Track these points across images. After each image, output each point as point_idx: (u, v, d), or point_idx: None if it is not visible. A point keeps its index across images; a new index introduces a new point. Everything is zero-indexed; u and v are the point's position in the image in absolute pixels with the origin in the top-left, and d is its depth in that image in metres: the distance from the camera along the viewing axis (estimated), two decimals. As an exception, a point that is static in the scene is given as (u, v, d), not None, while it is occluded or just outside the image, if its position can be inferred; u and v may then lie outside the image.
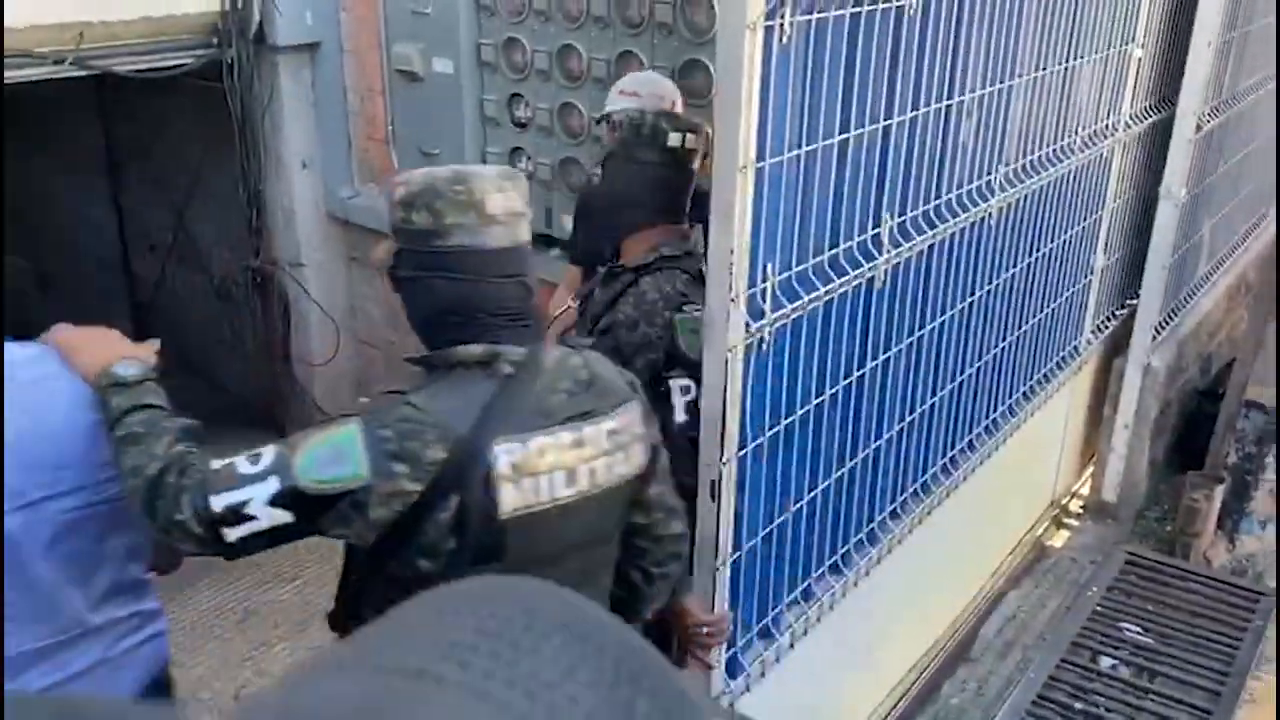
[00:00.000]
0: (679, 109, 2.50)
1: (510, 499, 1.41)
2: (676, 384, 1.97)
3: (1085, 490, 4.13)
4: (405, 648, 0.36)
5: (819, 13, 1.74)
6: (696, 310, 1.92)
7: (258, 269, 4.65)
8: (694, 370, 1.90)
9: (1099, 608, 3.46)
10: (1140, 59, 3.29)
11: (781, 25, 1.66)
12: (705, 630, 1.91)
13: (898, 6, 1.95)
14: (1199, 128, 3.53)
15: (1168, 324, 3.95)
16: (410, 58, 4.54)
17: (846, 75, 1.89)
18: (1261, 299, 3.67)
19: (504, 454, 1.40)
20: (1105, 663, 3.24)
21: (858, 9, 1.85)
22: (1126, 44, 3.18)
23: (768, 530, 2.06)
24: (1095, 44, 2.94)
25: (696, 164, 2.16)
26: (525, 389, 1.44)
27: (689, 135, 2.13)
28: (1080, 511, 4.08)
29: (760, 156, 1.71)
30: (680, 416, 1.95)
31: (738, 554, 1.97)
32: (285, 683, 0.36)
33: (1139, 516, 4.02)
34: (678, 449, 1.80)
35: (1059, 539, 3.92)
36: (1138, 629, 3.40)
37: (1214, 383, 4.36)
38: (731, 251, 1.72)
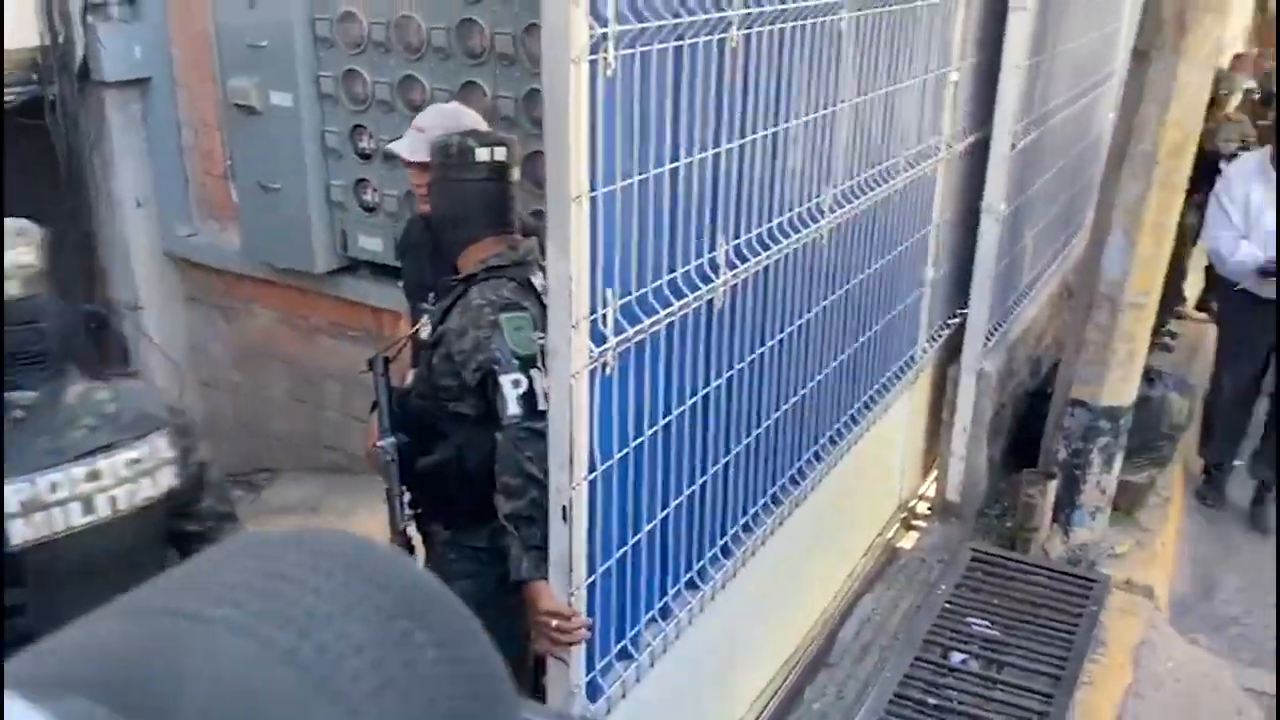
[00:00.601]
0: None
1: (20, 532, 1.57)
2: (507, 379, 2.11)
3: (931, 492, 4.32)
4: (186, 591, 0.37)
5: (642, 46, 1.79)
6: (522, 313, 2.13)
7: (93, 313, 4.44)
8: (525, 365, 2.10)
9: (948, 604, 3.62)
10: (957, 82, 3.49)
11: (605, 59, 1.70)
12: (555, 624, 1.95)
13: (720, 39, 2.03)
14: (1013, 145, 3.76)
15: (997, 331, 4.18)
16: (247, 91, 4.45)
17: (674, 105, 1.95)
18: (1080, 303, 3.92)
19: (12, 494, 1.56)
20: (956, 658, 3.39)
21: (680, 42, 1.91)
22: (944, 68, 3.37)
23: (622, 552, 2.09)
24: (914, 69, 3.10)
25: (515, 175, 2.32)
26: (37, 430, 1.60)
27: (497, 149, 2.27)
28: (927, 513, 4.26)
29: (593, 186, 1.75)
30: (513, 409, 2.10)
31: (592, 577, 1.99)
32: (68, 626, 0.36)
33: (981, 514, 4.23)
34: (515, 439, 2.06)
35: (909, 540, 4.09)
36: (985, 623, 3.57)
37: (1043, 383, 4.62)
38: (570, 279, 1.75)
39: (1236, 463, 4.86)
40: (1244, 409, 4.76)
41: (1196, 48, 3.41)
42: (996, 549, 3.97)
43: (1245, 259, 4.32)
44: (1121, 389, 3.85)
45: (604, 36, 1.68)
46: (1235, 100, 6.75)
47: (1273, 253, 4.22)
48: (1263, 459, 4.68)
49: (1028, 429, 4.39)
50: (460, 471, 2.29)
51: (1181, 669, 3.51)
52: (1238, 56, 11.95)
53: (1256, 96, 7.56)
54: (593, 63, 1.68)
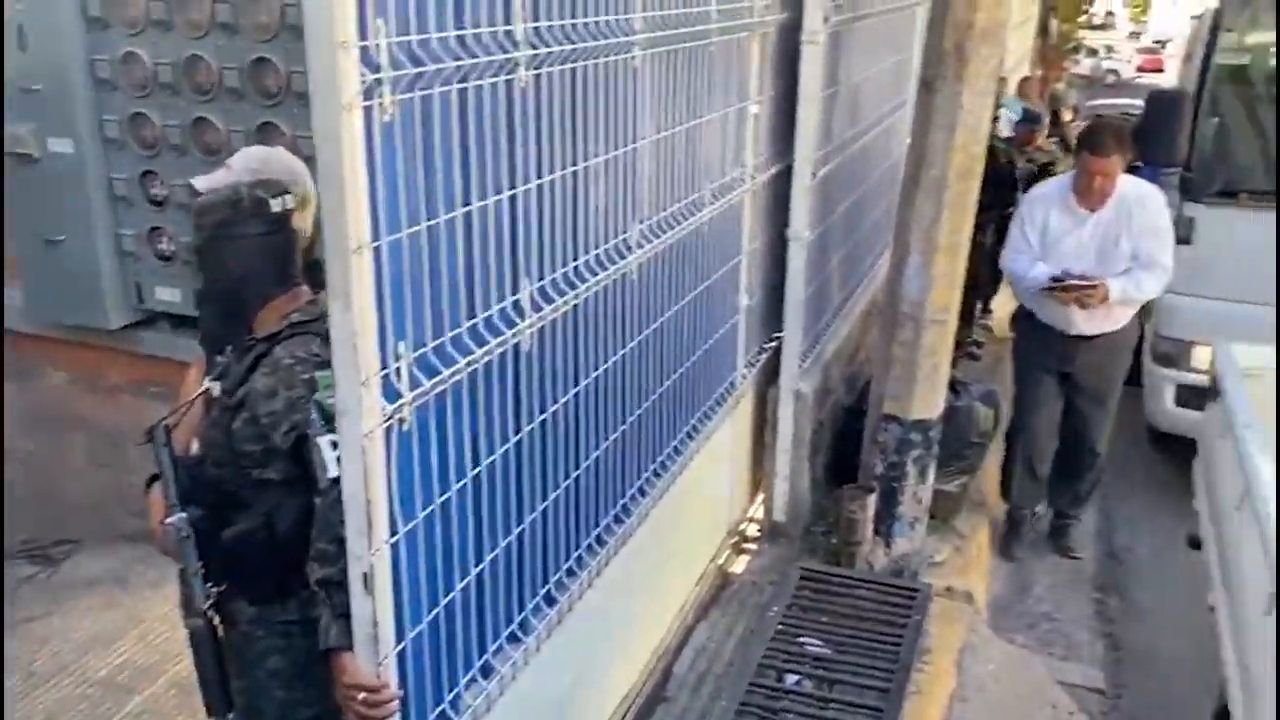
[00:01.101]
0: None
1: None
2: (325, 440, 1.94)
3: (759, 514, 4.38)
4: None
5: (422, 90, 1.73)
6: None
7: None
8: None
9: (780, 626, 3.66)
10: (757, 115, 3.57)
11: (381, 104, 1.63)
12: (361, 697, 1.84)
13: (508, 80, 1.99)
14: (814, 174, 3.88)
15: (811, 352, 4.29)
16: (22, 138, 4.16)
17: (462, 148, 1.90)
18: (885, 322, 4.06)
19: None
20: (790, 680, 3.42)
21: (465, 84, 1.86)
22: (743, 102, 3.44)
23: (434, 613, 2.01)
24: (713, 104, 3.15)
25: (304, 222, 2.18)
26: None
27: (287, 197, 2.14)
28: (757, 535, 4.32)
29: (376, 235, 1.67)
30: (333, 471, 1.91)
31: (402, 644, 1.90)
32: None
33: (808, 532, 4.31)
34: (333, 503, 1.84)
35: (740, 565, 4.13)
36: (817, 641, 3.62)
37: (859, 400, 4.77)
38: (355, 334, 1.66)
39: (1039, 508, 4.81)
40: (1045, 447, 4.63)
41: (976, 76, 3.59)
42: (824, 566, 4.05)
43: (1039, 276, 4.24)
44: (929, 402, 4.00)
45: (378, 82, 1.62)
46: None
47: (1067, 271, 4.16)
48: (1062, 496, 4.73)
49: (847, 445, 4.51)
50: (270, 540, 2.14)
51: (1002, 669, 3.65)
52: (1024, 80, 12.81)
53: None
54: (367, 109, 1.61)
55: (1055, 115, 9.08)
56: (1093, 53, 29.75)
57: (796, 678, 3.43)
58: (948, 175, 3.72)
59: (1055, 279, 4.16)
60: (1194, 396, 4.48)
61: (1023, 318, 4.56)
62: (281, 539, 2.13)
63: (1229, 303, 4.65)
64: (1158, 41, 34.39)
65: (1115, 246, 4.14)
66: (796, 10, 3.74)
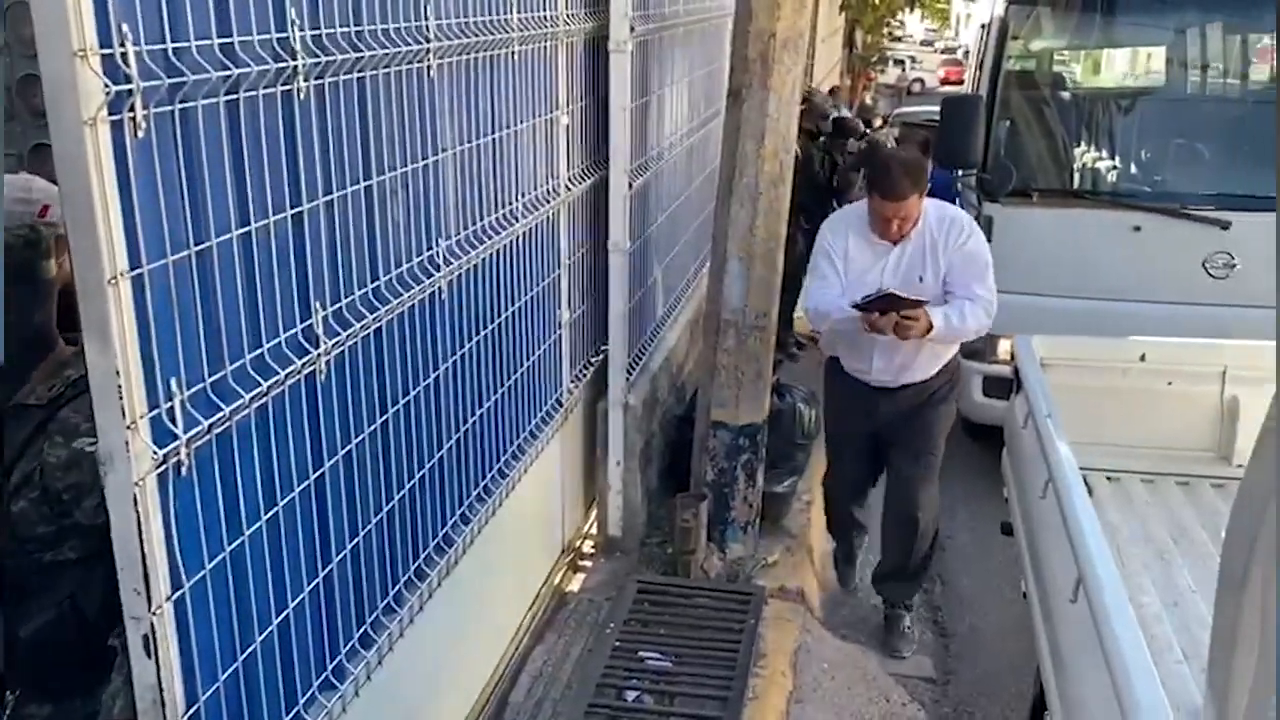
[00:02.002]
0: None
1: None
2: None
3: (594, 530, 4.32)
4: None
5: (182, 103, 1.59)
6: None
7: None
8: None
9: (619, 642, 3.60)
10: (568, 125, 3.51)
11: (134, 119, 1.48)
12: None
13: (285, 91, 1.86)
14: (631, 184, 3.85)
15: (638, 363, 4.27)
16: None
17: (236, 165, 1.75)
18: (708, 330, 4.07)
19: None
20: (630, 696, 3.37)
21: (235, 96, 1.72)
22: (552, 112, 3.37)
23: (232, 669, 1.85)
24: (521, 113, 3.07)
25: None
26: None
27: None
28: (592, 551, 4.25)
29: (135, 264, 1.52)
30: None
31: (195, 707, 1.73)
32: None
33: (643, 544, 4.28)
34: None
35: (575, 583, 4.05)
36: (656, 654, 3.58)
37: (689, 409, 4.77)
38: (118, 374, 1.51)
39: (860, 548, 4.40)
40: (855, 504, 4.22)
41: (781, 84, 3.65)
42: (660, 577, 4.02)
43: (830, 308, 3.62)
44: (755, 407, 4.04)
45: (127, 94, 1.47)
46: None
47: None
48: (888, 576, 4.15)
49: (680, 455, 4.51)
50: (79, 624, 1.90)
51: (836, 667, 3.70)
52: (833, 90, 13.27)
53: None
54: (116, 124, 1.46)
55: (867, 124, 9.50)
56: (899, 63, 31.24)
57: (636, 694, 3.37)
58: (760, 182, 3.77)
59: (870, 298, 3.44)
60: (1000, 387, 4.68)
61: (829, 369, 4.03)
62: (93, 618, 1.89)
63: (1028, 296, 4.89)
64: (948, 50, 36.41)
65: (919, 281, 3.59)
66: (604, 19, 3.71)
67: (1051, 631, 2.41)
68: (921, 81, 29.64)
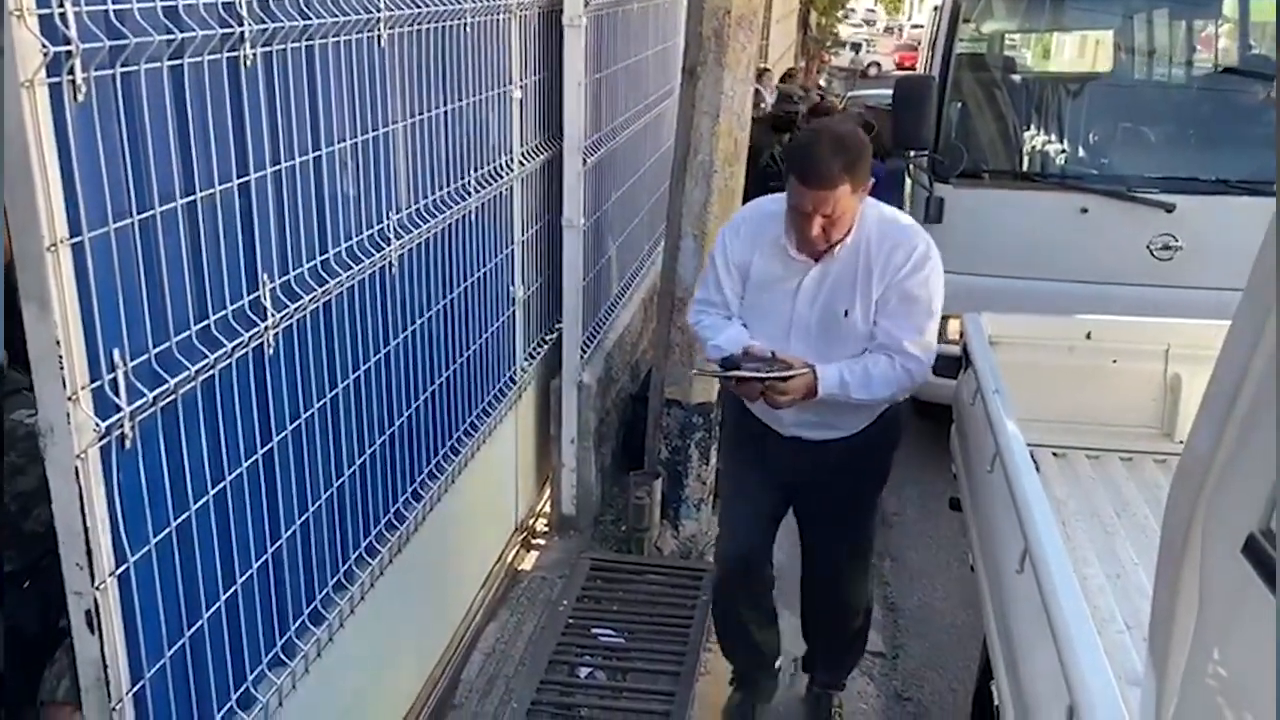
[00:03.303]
0: None
1: None
2: None
3: (547, 508, 4.31)
4: None
5: (124, 66, 1.55)
6: None
7: None
8: None
9: (571, 619, 3.60)
10: (522, 99, 3.48)
11: (73, 82, 1.44)
12: None
13: (230, 58, 1.82)
14: (585, 160, 3.83)
15: (592, 341, 4.26)
16: None
17: (180, 132, 1.72)
18: (662, 308, 4.08)
19: None
20: (583, 673, 3.38)
21: (179, 61, 1.68)
22: (505, 86, 3.34)
23: (179, 645, 1.82)
24: (472, 87, 3.04)
25: None
26: None
27: None
28: (546, 530, 4.25)
29: (76, 232, 1.48)
30: None
31: (139, 684, 1.71)
32: None
33: (597, 523, 4.29)
34: None
35: (529, 561, 4.05)
36: (609, 631, 3.58)
37: (643, 388, 4.78)
38: (58, 343, 1.47)
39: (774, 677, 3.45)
40: (754, 605, 3.25)
41: (736, 62, 3.64)
42: (613, 555, 4.03)
43: (711, 352, 2.70)
44: (708, 386, 4.05)
45: (67, 54, 1.43)
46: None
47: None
48: (817, 663, 3.44)
49: (635, 433, 4.52)
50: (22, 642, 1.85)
51: (787, 642, 3.73)
52: (789, 72, 13.29)
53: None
54: (55, 86, 1.42)
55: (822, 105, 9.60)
56: (855, 47, 31.37)
57: (589, 670, 3.38)
58: (715, 160, 3.77)
59: (725, 362, 2.56)
60: (949, 366, 4.73)
61: (729, 401, 3.01)
62: (33, 636, 1.84)
63: (977, 277, 4.94)
64: (914, 27, 36.61)
65: (844, 317, 2.60)
66: (558, -7, 3.68)
67: (998, 602, 2.45)
68: (879, 65, 29.81)
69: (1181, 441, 3.20)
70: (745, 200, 4.01)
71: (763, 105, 6.94)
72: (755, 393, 2.55)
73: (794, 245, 2.60)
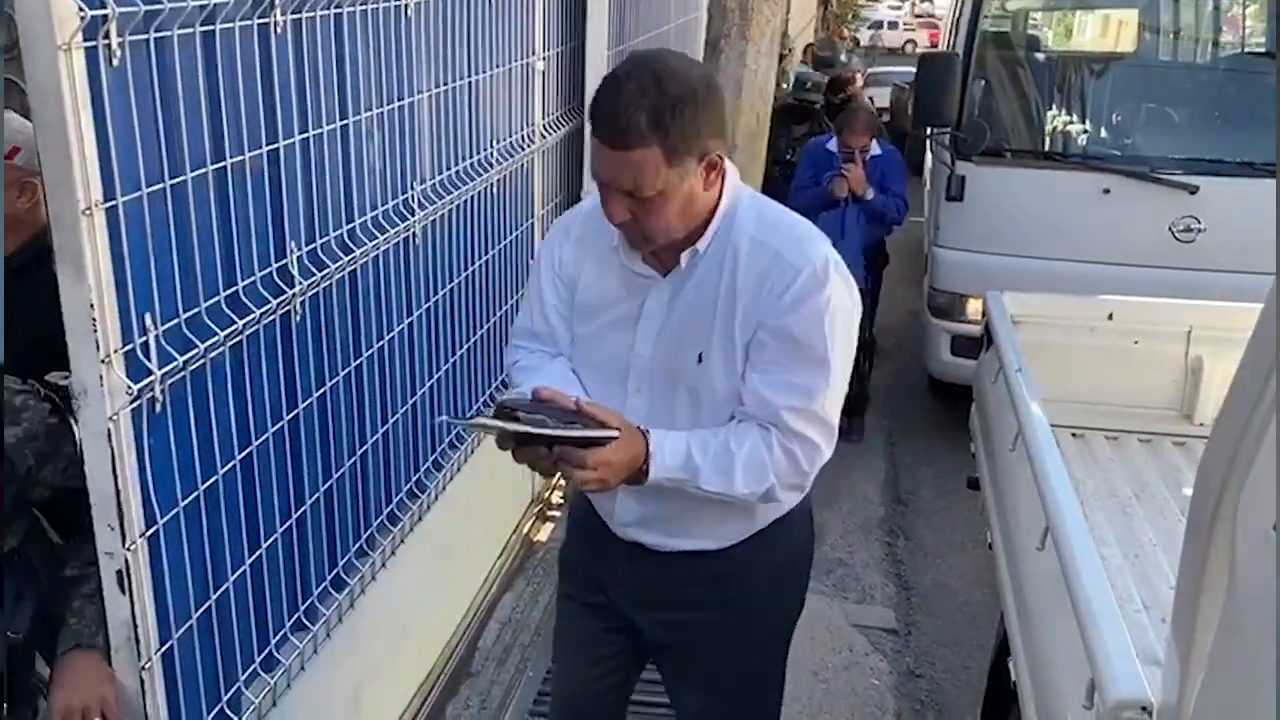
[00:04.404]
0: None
1: None
2: None
3: (563, 481, 4.32)
4: None
5: (160, 32, 1.55)
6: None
7: None
8: None
9: (587, 591, 3.63)
10: (544, 71, 3.47)
11: (109, 47, 1.45)
12: None
13: (260, 24, 1.82)
14: (606, 133, 3.82)
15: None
16: None
17: (211, 99, 1.72)
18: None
19: None
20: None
21: (210, 26, 1.69)
22: (528, 58, 3.33)
23: (205, 606, 1.84)
24: (495, 59, 3.03)
25: None
26: None
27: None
28: (561, 501, 4.27)
29: (110, 195, 1.49)
30: None
31: (168, 644, 1.73)
32: None
33: (613, 496, 4.29)
34: None
35: (544, 533, 4.07)
36: (623, 603, 3.61)
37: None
38: (92, 306, 1.48)
39: None
40: None
41: (760, 35, 3.62)
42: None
43: (517, 397, 1.73)
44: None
45: (103, 19, 1.43)
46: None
47: None
48: None
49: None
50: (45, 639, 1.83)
51: (801, 618, 3.75)
52: (809, 48, 13.18)
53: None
54: (90, 50, 1.42)
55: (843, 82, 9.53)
56: (878, 25, 31.07)
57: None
58: (737, 135, 3.75)
59: (501, 410, 1.61)
60: (969, 346, 4.72)
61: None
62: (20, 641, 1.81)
63: (999, 256, 4.92)
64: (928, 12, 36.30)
65: (697, 364, 1.70)
66: (582, -37, 3.66)
67: (1017, 580, 2.46)
68: (914, 43, 29.51)
69: (1203, 424, 3.20)
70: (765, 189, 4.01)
71: (784, 86, 6.86)
72: (546, 463, 1.60)
73: (627, 248, 1.71)
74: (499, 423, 1.58)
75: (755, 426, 1.68)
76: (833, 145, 4.91)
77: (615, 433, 1.59)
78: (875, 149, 4.97)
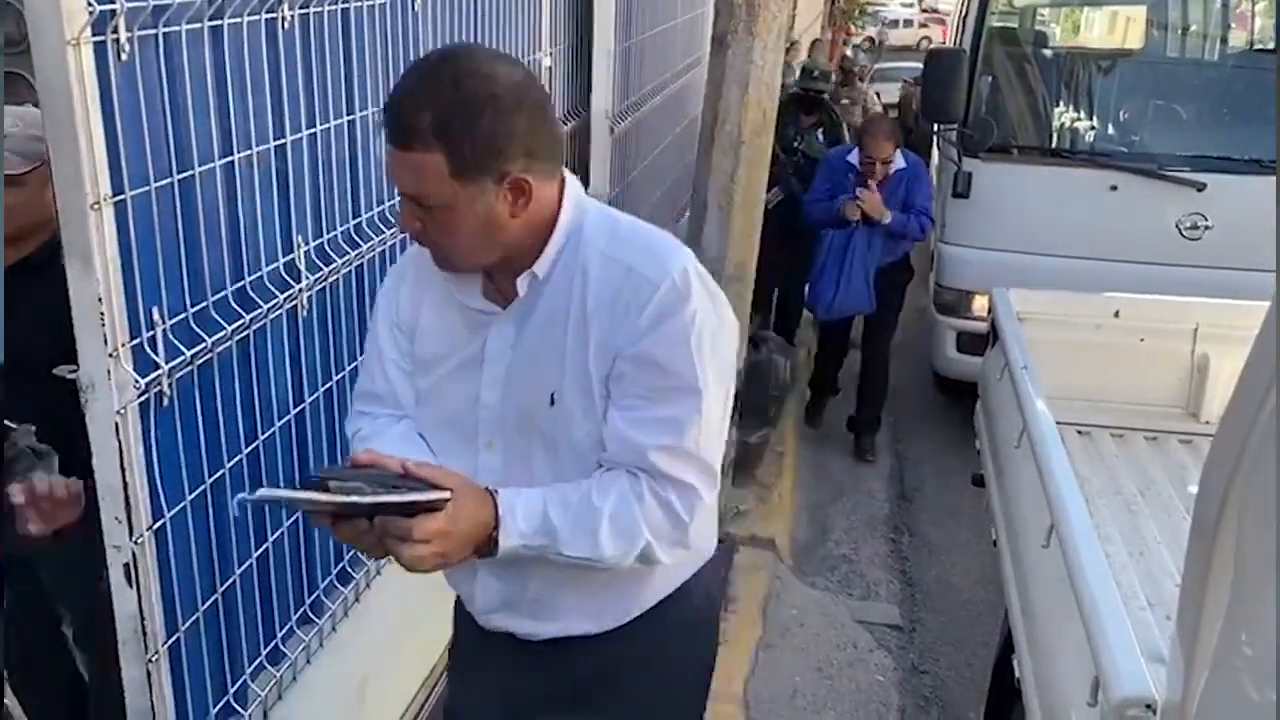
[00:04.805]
0: None
1: None
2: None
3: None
4: None
5: (167, 26, 1.56)
6: None
7: None
8: None
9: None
10: (551, 67, 3.47)
11: (117, 41, 1.45)
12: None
13: (268, 19, 1.82)
14: (613, 129, 3.82)
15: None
16: None
17: (219, 93, 1.72)
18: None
19: None
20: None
21: (218, 21, 1.69)
22: (535, 53, 3.33)
23: (212, 600, 1.85)
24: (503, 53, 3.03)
25: None
26: None
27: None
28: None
29: (118, 189, 1.49)
30: None
31: (174, 637, 1.74)
32: None
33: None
34: None
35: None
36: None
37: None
38: (100, 300, 1.49)
39: None
40: None
41: (767, 30, 3.62)
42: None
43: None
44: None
45: (112, 13, 1.43)
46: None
47: None
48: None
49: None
50: None
51: (804, 614, 3.76)
52: (815, 43, 13.17)
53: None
54: (99, 45, 1.43)
55: (849, 76, 9.52)
56: (894, 24, 30.94)
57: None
58: (743, 130, 3.75)
59: (308, 482, 1.37)
60: (974, 343, 4.72)
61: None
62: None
63: (1005, 253, 4.92)
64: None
65: (550, 406, 1.46)
66: (589, -40, 3.66)
67: (1021, 577, 2.46)
68: (929, 40, 29.44)
69: (1208, 422, 3.19)
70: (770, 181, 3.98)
71: (788, 82, 6.84)
72: (370, 539, 1.35)
73: (453, 278, 1.49)
74: (303, 494, 1.32)
75: (623, 474, 1.42)
76: (853, 158, 4.74)
77: (446, 494, 1.31)
78: (899, 161, 4.72)
